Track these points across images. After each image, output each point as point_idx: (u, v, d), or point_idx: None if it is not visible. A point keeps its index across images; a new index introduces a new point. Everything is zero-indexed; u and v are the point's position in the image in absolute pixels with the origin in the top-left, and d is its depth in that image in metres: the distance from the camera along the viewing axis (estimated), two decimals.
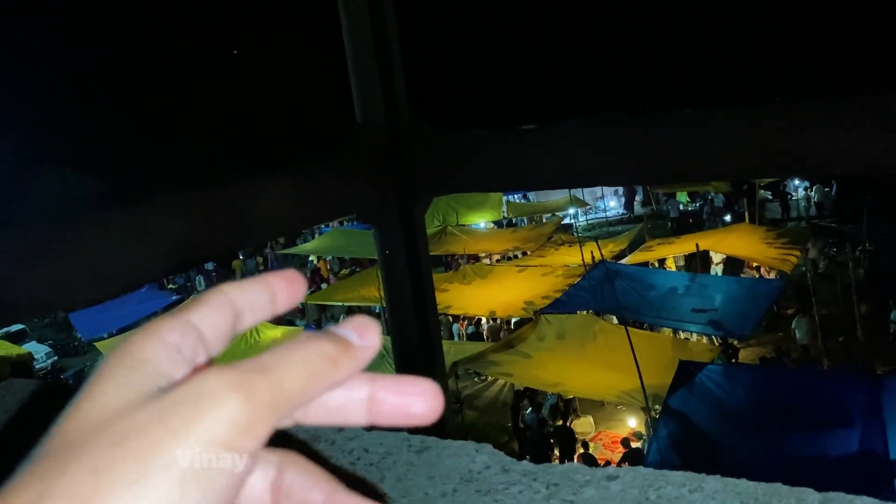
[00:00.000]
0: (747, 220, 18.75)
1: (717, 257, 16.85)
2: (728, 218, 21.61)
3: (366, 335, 0.37)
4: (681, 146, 5.39)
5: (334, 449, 0.83)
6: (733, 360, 11.91)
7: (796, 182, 24.17)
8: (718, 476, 0.64)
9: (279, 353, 0.34)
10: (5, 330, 19.21)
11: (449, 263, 20.25)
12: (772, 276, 14.66)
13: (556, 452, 11.00)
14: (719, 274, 16.01)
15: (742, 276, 15.72)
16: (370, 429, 0.90)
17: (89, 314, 17.97)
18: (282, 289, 0.38)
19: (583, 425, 11.86)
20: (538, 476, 0.71)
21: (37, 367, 17.63)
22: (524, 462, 0.74)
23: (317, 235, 24.81)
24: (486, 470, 0.74)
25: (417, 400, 0.37)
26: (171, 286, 22.67)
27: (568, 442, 10.70)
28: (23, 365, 16.94)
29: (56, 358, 18.59)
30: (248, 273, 23.35)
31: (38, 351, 18.34)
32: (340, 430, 0.88)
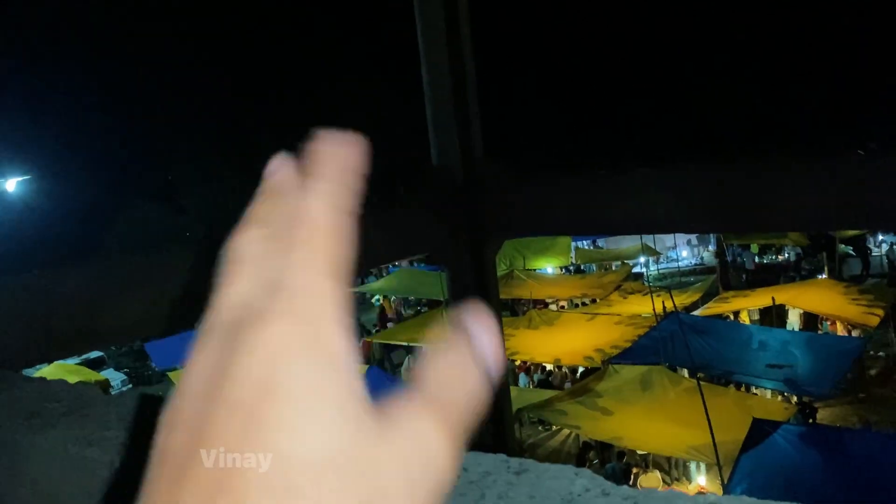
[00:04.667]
0: (826, 275, 18.08)
1: (793, 313, 16.26)
2: (806, 272, 20.89)
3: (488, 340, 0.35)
4: (757, 195, 5.30)
5: None
6: (811, 421, 11.38)
7: (880, 237, 23.24)
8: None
9: (455, 383, 0.33)
10: (85, 357, 20.00)
11: (515, 308, 20.13)
12: (853, 334, 14.05)
13: None
14: (796, 329, 15.42)
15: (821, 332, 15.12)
16: (468, 449, 0.93)
17: (164, 344, 18.52)
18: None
19: (649, 480, 11.49)
20: (639, 500, 0.72)
21: (113, 393, 18.22)
22: (624, 486, 0.75)
23: (384, 274, 25.12)
24: (585, 493, 0.76)
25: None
26: None
27: None
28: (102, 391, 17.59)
29: (131, 386, 19.20)
30: None
31: (115, 378, 19.00)
32: None
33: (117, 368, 20.74)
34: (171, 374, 16.42)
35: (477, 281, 6.08)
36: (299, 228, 0.32)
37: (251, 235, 0.34)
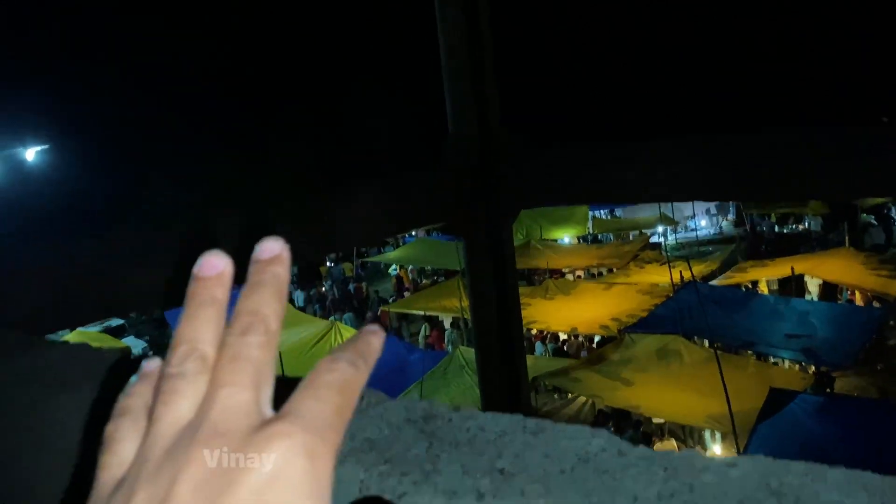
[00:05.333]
0: (847, 245, 17.88)
1: (813, 283, 16.13)
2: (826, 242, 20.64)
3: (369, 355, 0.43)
4: (777, 164, 5.23)
5: (451, 426, 0.87)
6: (828, 391, 11.34)
7: None
8: (842, 467, 0.64)
9: (308, 395, 0.38)
10: (107, 324, 20.33)
11: (531, 278, 20.14)
12: (873, 304, 13.92)
13: None
14: (815, 300, 15.31)
15: (840, 302, 15.00)
16: (486, 409, 0.94)
17: (179, 314, 18.77)
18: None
19: (665, 448, 11.54)
20: (655, 460, 0.73)
21: None
22: (641, 447, 0.76)
23: (401, 244, 25.18)
24: (602, 452, 0.76)
25: None
26: None
27: None
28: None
29: (151, 353, 19.47)
30: (335, 278, 23.94)
31: (136, 346, 19.29)
32: (457, 409, 0.92)
33: (138, 336, 21.04)
34: None
35: (494, 250, 6.08)
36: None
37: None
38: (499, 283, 6.16)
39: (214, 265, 0.43)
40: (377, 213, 5.97)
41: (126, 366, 1.27)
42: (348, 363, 0.41)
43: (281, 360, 13.34)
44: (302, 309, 19.57)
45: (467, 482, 0.73)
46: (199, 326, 0.41)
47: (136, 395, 0.43)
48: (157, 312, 21.06)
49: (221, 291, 0.43)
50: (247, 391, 0.38)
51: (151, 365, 0.45)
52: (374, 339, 0.44)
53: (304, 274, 24.65)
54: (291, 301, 19.76)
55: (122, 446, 0.40)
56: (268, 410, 0.38)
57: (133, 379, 0.45)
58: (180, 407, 0.38)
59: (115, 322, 21.23)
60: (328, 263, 25.13)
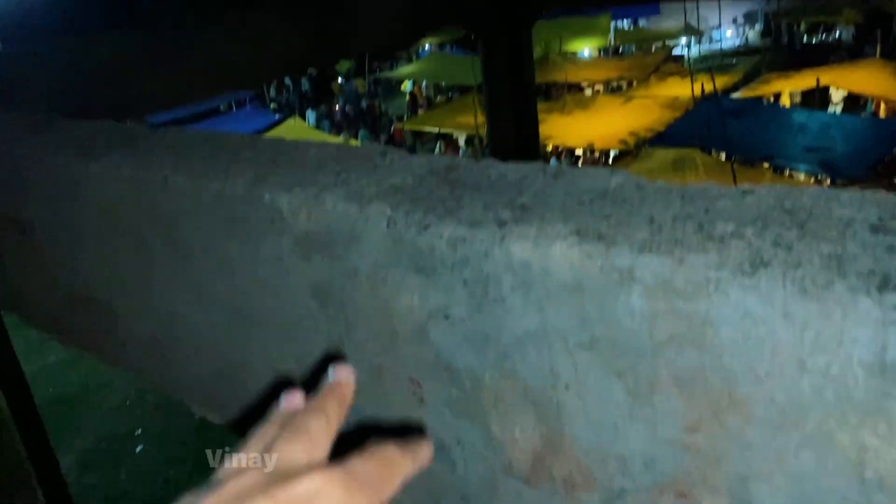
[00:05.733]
0: (878, 55, 17.15)
1: (837, 95, 15.68)
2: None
3: (421, 449, 0.50)
4: None
5: (473, 174, 0.89)
6: None
7: None
8: (856, 189, 0.66)
9: (367, 460, 0.46)
10: None
11: (549, 92, 19.68)
12: None
13: None
14: (838, 112, 14.96)
15: (865, 115, 14.66)
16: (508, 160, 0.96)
17: (196, 128, 18.73)
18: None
19: None
20: (673, 191, 0.76)
21: None
22: (659, 181, 0.78)
23: (414, 59, 24.44)
24: (621, 187, 0.79)
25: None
26: (272, 104, 23.17)
27: None
28: None
29: None
30: (347, 95, 23.53)
31: None
32: (479, 161, 0.94)
33: None
34: None
35: (512, 59, 5.91)
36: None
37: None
38: (517, 95, 6.07)
39: (291, 401, 0.51)
40: (395, 15, 5.75)
41: (150, 134, 1.30)
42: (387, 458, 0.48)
43: None
44: (315, 127, 19.43)
45: (489, 214, 0.77)
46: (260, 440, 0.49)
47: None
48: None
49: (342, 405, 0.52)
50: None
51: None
52: (345, 393, 0.53)
53: (316, 90, 24.22)
54: (303, 118, 19.56)
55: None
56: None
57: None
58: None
59: None
60: (339, 80, 24.58)
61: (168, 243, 1.16)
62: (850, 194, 0.66)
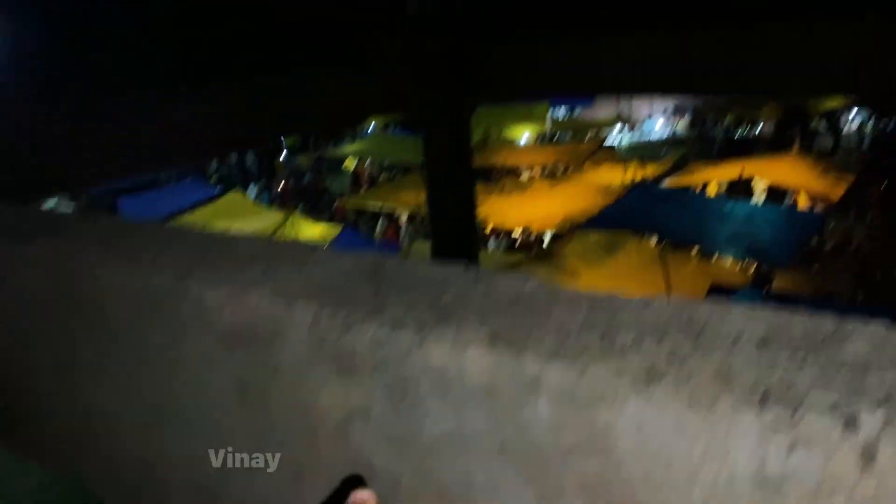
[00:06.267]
0: (797, 149, 18.23)
1: (760, 185, 16.53)
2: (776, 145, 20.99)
3: None
4: (732, 58, 5.26)
5: (398, 273, 0.93)
6: (767, 289, 11.87)
7: (852, 114, 23.32)
8: (745, 305, 0.72)
9: None
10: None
11: (488, 175, 20.16)
12: (817, 207, 14.39)
13: None
14: (761, 202, 15.73)
15: (786, 205, 15.44)
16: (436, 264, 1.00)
17: (136, 201, 18.40)
18: None
19: None
20: (582, 300, 0.80)
21: None
22: (571, 290, 0.83)
23: (359, 138, 24.79)
24: (535, 293, 0.83)
25: None
26: (213, 178, 23.03)
27: None
28: None
29: None
30: (291, 170, 23.59)
31: None
32: (404, 260, 0.98)
33: None
34: None
35: (452, 143, 6.07)
36: None
37: None
38: (456, 177, 6.19)
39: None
40: (336, 97, 5.86)
41: (80, 221, 1.30)
42: None
43: None
44: (257, 202, 19.36)
45: (411, 316, 0.80)
46: None
47: None
48: (108, 202, 20.55)
49: None
50: None
51: None
52: None
53: (261, 164, 24.24)
54: (245, 192, 19.48)
55: None
56: None
57: None
58: None
59: (65, 208, 20.72)
60: (284, 155, 24.71)
61: (91, 333, 1.15)
62: (741, 309, 0.71)
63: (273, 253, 1.03)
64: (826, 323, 0.70)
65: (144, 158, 5.67)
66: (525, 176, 19.49)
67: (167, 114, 5.53)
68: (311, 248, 1.02)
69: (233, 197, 17.46)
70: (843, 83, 4.84)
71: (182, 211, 17.88)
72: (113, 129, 5.43)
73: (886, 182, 15.58)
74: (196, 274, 0.98)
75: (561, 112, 26.32)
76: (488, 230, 16.23)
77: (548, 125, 24.02)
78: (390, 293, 0.87)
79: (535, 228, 14.89)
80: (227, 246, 1.08)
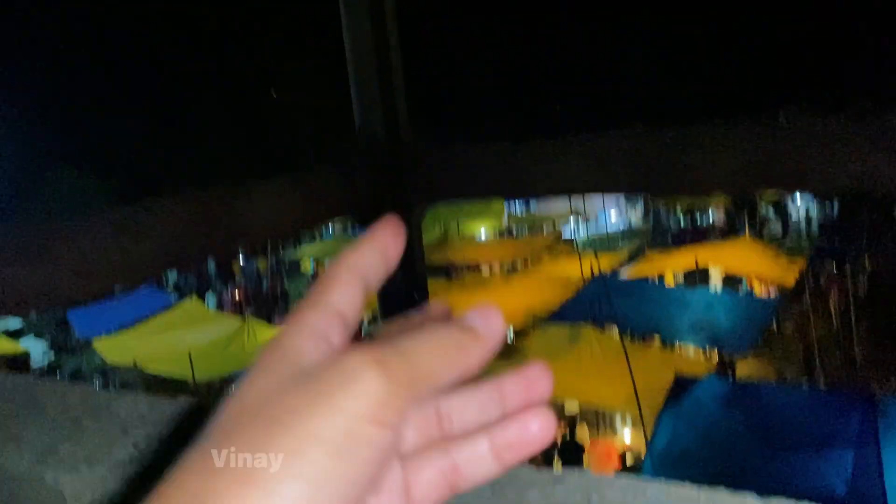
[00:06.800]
0: (747, 236, 18.73)
1: (716, 273, 16.83)
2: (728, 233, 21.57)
3: (490, 323, 0.40)
4: (678, 159, 5.40)
5: None
6: (730, 375, 11.87)
7: (798, 200, 24.21)
8: (661, 483, 0.63)
9: (413, 337, 0.37)
10: (3, 328, 19.23)
11: (449, 272, 20.23)
12: (772, 292, 14.65)
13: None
14: (718, 289, 15.98)
15: (741, 291, 15.71)
16: None
17: (87, 313, 17.94)
18: (390, 241, 0.41)
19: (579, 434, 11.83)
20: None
21: (34, 365, 17.62)
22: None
23: (318, 239, 24.82)
24: None
25: (533, 427, 0.40)
26: (168, 287, 22.68)
27: (574, 456, 10.64)
28: (20, 362, 16.94)
29: (53, 356, 18.56)
30: (249, 275, 23.38)
31: (36, 348, 18.32)
32: None
33: (38, 337, 19.99)
34: (95, 344, 15.91)
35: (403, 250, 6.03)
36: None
37: None
38: (408, 278, 6.13)
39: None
40: (284, 208, 5.82)
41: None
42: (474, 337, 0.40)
43: (191, 362, 12.95)
44: (217, 307, 19.06)
45: None
46: None
47: None
48: (58, 313, 20.06)
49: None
50: None
51: None
52: (495, 322, 0.41)
53: (219, 270, 23.99)
54: (203, 299, 19.16)
55: None
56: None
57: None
58: None
59: (14, 324, 20.14)
60: (240, 259, 24.52)
61: None
62: (655, 489, 0.63)
63: (155, 417, 0.91)
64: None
65: (82, 281, 5.53)
66: (485, 271, 19.62)
67: (108, 232, 5.44)
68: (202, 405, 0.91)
69: (189, 305, 17.16)
70: (788, 178, 4.97)
71: (136, 322, 17.47)
72: (72, 247, 5.30)
73: (836, 264, 16.00)
74: (59, 453, 0.86)
75: (516, 207, 26.85)
76: None
77: (505, 220, 24.43)
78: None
79: None
80: (110, 411, 0.97)
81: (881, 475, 6.73)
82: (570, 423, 11.19)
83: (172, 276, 23.25)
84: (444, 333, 0.38)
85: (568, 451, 10.62)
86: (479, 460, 0.39)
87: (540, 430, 0.40)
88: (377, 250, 0.41)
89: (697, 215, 25.60)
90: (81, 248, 5.86)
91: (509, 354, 11.63)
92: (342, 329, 0.38)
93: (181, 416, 0.92)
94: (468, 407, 0.41)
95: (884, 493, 6.64)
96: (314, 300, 0.38)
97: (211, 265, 24.09)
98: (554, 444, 11.02)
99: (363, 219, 6.79)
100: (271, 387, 0.35)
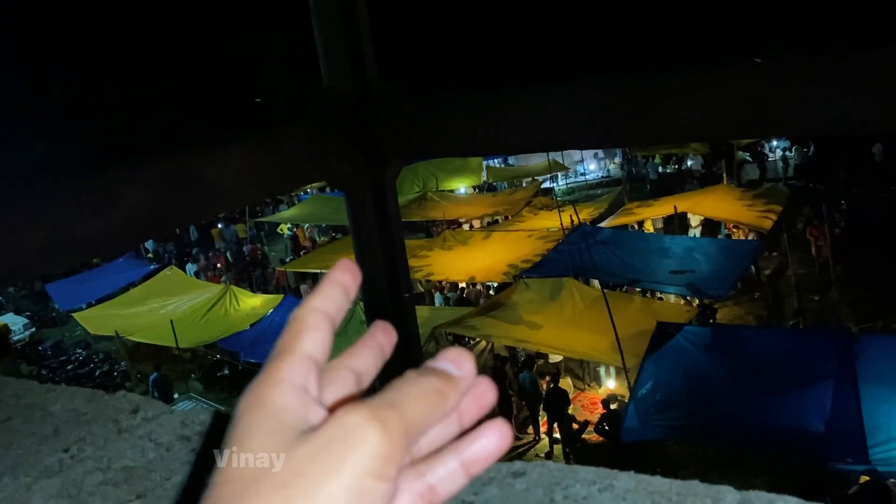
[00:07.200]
0: (725, 182, 18.78)
1: (694, 219, 16.89)
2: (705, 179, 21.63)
3: (462, 366, 0.41)
4: (656, 107, 5.30)
5: None
6: (711, 321, 11.99)
7: (774, 143, 24.23)
8: (632, 473, 0.57)
9: (398, 389, 0.38)
10: None
11: (429, 229, 20.15)
12: (750, 237, 14.74)
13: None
14: (697, 236, 16.06)
15: (720, 237, 15.80)
16: None
17: (66, 285, 17.75)
18: (349, 282, 0.43)
19: (563, 386, 11.95)
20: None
21: (14, 338, 17.45)
22: None
23: (296, 202, 24.58)
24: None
25: (494, 440, 0.41)
26: (149, 256, 22.45)
27: (559, 402, 10.73)
28: (0, 337, 16.75)
29: (34, 329, 18.38)
30: (228, 240, 23.14)
31: (16, 322, 18.13)
32: None
33: (17, 312, 19.77)
34: (75, 316, 15.75)
35: (377, 205, 5.94)
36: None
37: None
38: (384, 236, 6.05)
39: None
40: (254, 172, 5.67)
41: None
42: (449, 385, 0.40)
43: (173, 328, 12.88)
44: (196, 275, 18.91)
45: None
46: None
47: None
48: (37, 286, 19.81)
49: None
50: None
51: None
52: (466, 364, 0.42)
53: (198, 238, 23.77)
54: (183, 270, 18.96)
55: None
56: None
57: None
58: None
59: None
60: (219, 225, 24.27)
61: None
62: (625, 480, 0.57)
63: (90, 417, 0.84)
64: None
65: (58, 253, 5.39)
66: (466, 227, 19.56)
67: (76, 204, 5.28)
68: (133, 408, 0.84)
69: (168, 274, 17.00)
70: (766, 122, 4.89)
71: (115, 293, 17.30)
72: (39, 220, 5.13)
73: (813, 207, 16.12)
74: None
75: (495, 162, 26.68)
76: (434, 285, 16.14)
77: (484, 175, 24.29)
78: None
79: (480, 279, 14.85)
80: (45, 410, 0.89)
81: (859, 412, 6.86)
82: (555, 372, 11.28)
83: (150, 244, 23.00)
84: (426, 384, 0.39)
85: (553, 400, 10.72)
86: (450, 476, 0.40)
87: (500, 440, 0.41)
88: (339, 291, 0.42)
89: (675, 163, 25.62)
90: (45, 221, 5.67)
91: (492, 309, 11.65)
92: (317, 375, 0.39)
93: (119, 414, 0.85)
94: (432, 429, 0.42)
95: (861, 429, 6.77)
96: (287, 349, 0.39)
97: (193, 232, 23.85)
98: (540, 394, 11.12)
99: (337, 181, 6.68)
100: (269, 450, 0.35)
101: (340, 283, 0.43)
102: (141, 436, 0.78)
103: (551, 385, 10.83)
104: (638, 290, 12.78)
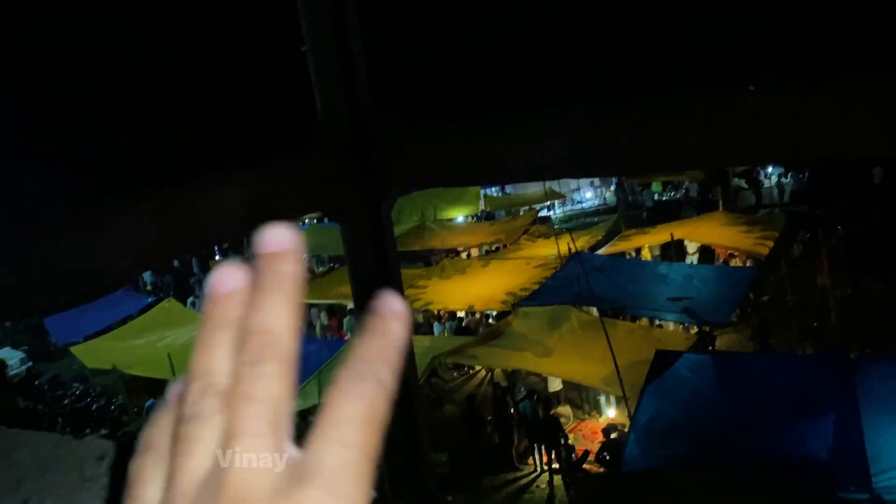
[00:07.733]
0: (721, 209, 18.84)
1: (691, 246, 16.91)
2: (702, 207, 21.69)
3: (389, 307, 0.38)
4: (651, 135, 5.33)
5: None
6: (710, 348, 11.93)
7: (769, 169, 24.36)
8: None
9: (332, 442, 0.34)
10: None
11: (428, 258, 20.16)
12: (747, 263, 14.74)
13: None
14: (694, 263, 16.06)
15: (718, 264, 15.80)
16: None
17: (64, 319, 17.67)
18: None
19: (561, 414, 11.86)
20: None
21: (11, 373, 17.34)
22: None
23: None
24: None
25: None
26: (147, 288, 22.43)
27: (554, 430, 10.65)
28: None
29: (31, 363, 18.27)
30: None
31: (13, 357, 18.03)
32: None
33: (15, 346, 19.66)
34: (73, 349, 15.65)
35: (373, 236, 5.93)
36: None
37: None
38: (379, 267, 6.04)
39: (228, 281, 0.39)
40: (249, 203, 5.67)
41: None
42: (373, 381, 0.36)
43: (171, 363, 12.79)
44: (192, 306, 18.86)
45: None
46: (213, 355, 0.38)
47: (160, 427, 0.39)
48: (34, 319, 19.72)
49: (237, 310, 0.38)
50: (265, 439, 0.35)
51: (176, 390, 0.40)
52: (395, 328, 0.38)
53: (200, 269, 23.76)
54: (183, 302, 18.91)
55: (147, 490, 0.37)
56: (290, 453, 0.35)
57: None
58: (198, 456, 0.35)
59: None
60: (217, 257, 24.27)
61: None
62: None
63: (51, 467, 0.82)
64: None
65: (53, 289, 5.38)
66: (464, 255, 19.58)
67: (73, 241, 5.28)
68: (100, 455, 0.82)
69: (166, 306, 16.96)
70: (763, 151, 4.92)
71: (113, 325, 17.24)
72: (35, 254, 5.11)
73: (810, 232, 16.13)
74: None
75: (493, 190, 26.80)
76: (433, 316, 16.08)
77: (481, 204, 24.37)
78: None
79: (479, 308, 14.81)
80: (11, 459, 0.87)
81: (861, 438, 6.79)
82: (547, 398, 11.24)
83: (148, 277, 22.99)
84: (358, 407, 0.35)
85: (546, 428, 10.66)
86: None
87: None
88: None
89: (671, 190, 25.73)
90: (41, 254, 5.66)
91: (492, 338, 11.59)
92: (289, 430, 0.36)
93: (85, 462, 0.83)
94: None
95: (864, 457, 6.69)
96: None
97: (195, 264, 23.85)
98: (536, 420, 11.03)
99: (333, 212, 6.67)
100: None
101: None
102: (104, 486, 0.76)
103: (543, 413, 10.82)
104: (636, 317, 12.74)
